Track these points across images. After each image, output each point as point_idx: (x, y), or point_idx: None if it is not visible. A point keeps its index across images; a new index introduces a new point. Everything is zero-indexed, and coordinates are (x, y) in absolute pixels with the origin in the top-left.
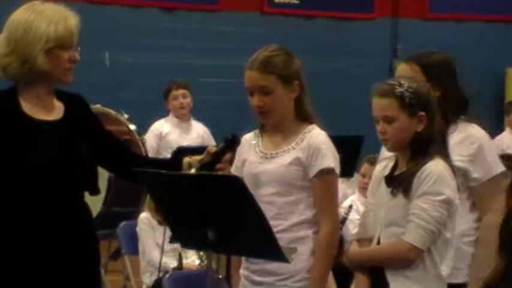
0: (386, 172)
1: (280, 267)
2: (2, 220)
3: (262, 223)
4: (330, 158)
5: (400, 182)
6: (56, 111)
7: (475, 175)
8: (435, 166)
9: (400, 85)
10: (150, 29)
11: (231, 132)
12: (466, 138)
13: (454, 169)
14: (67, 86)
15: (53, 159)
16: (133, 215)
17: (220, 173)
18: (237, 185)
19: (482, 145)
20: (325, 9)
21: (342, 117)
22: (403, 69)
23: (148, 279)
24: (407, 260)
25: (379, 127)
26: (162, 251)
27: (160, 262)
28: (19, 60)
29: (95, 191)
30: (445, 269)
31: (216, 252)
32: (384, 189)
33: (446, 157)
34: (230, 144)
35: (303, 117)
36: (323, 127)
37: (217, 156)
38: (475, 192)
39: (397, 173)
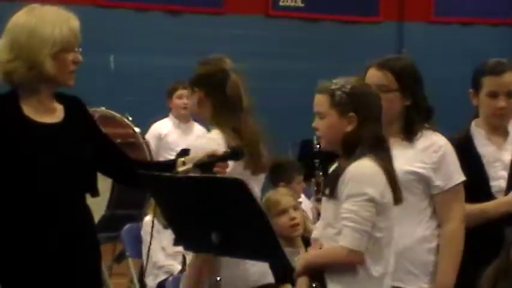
0: None
1: None
2: (4, 219)
3: (266, 225)
4: None
5: (327, 184)
6: (57, 113)
7: (436, 183)
8: (356, 167)
9: (336, 83)
10: (155, 32)
11: None
12: (430, 146)
13: (395, 171)
14: (71, 89)
15: (58, 160)
16: (137, 218)
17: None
18: (240, 187)
19: (445, 154)
20: (330, 12)
21: None
22: (375, 75)
23: (152, 282)
24: (348, 264)
25: (314, 122)
26: (149, 250)
27: (147, 261)
28: (25, 66)
29: (95, 193)
30: (378, 269)
31: (220, 255)
32: None
33: (379, 159)
34: (234, 154)
35: None
36: None
37: (215, 159)
38: (436, 200)
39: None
